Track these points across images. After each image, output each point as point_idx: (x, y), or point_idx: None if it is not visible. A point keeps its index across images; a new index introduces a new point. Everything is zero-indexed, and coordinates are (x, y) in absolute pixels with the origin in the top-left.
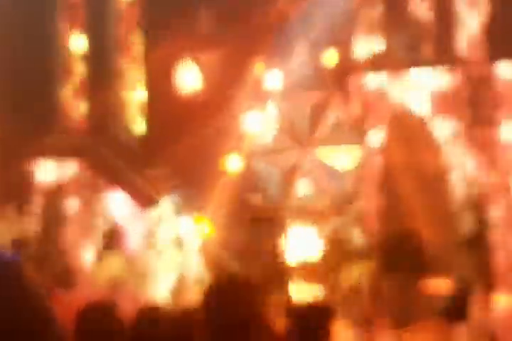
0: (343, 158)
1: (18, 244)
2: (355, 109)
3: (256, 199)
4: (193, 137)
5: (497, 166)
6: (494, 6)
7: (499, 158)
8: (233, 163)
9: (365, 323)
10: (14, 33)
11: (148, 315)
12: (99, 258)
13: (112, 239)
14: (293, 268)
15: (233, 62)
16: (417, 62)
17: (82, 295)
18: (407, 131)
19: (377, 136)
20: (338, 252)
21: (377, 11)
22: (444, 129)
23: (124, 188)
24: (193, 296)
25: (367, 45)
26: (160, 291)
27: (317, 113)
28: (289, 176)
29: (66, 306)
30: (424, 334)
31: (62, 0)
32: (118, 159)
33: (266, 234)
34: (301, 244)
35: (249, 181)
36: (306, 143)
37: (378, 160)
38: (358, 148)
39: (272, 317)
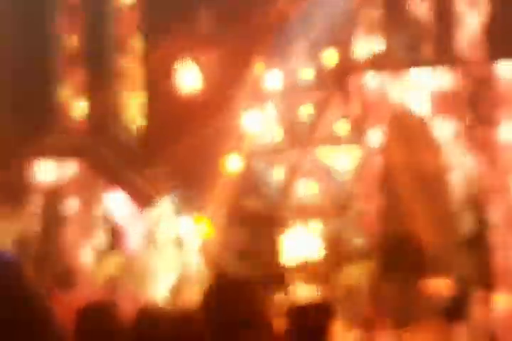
0: (343, 158)
1: (18, 244)
2: (355, 109)
3: (255, 199)
4: (193, 137)
5: (497, 166)
6: (494, 6)
7: (499, 158)
8: (233, 163)
9: (365, 323)
10: (14, 33)
11: (148, 315)
12: (99, 258)
13: (112, 239)
14: (293, 268)
15: (233, 62)
16: (417, 62)
17: (81, 295)
18: (407, 131)
19: (377, 136)
20: (338, 252)
21: (377, 11)
22: (444, 129)
23: (123, 188)
24: (193, 296)
25: (367, 45)
26: (160, 291)
27: (317, 113)
28: (288, 176)
29: (66, 306)
30: (424, 334)
31: (61, 0)
32: (118, 159)
33: (265, 234)
34: (300, 244)
35: (248, 181)
36: (306, 143)
37: (378, 160)
38: (357, 148)
39: (272, 317)
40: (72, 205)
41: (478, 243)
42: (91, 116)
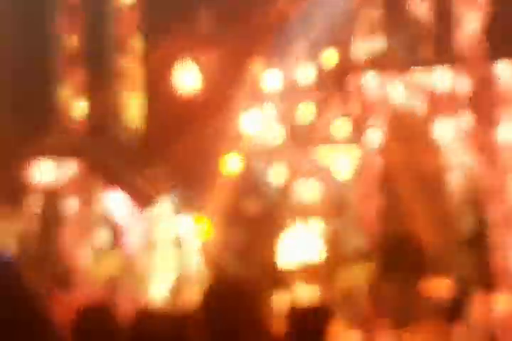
0: (343, 157)
1: (18, 244)
2: (355, 109)
3: (255, 199)
4: (193, 137)
5: (497, 166)
6: (494, 5)
7: (499, 158)
8: (233, 163)
9: (365, 323)
10: (14, 33)
11: (148, 316)
12: (99, 258)
13: (112, 239)
14: (292, 268)
15: (233, 62)
16: (417, 62)
17: (81, 295)
18: (407, 131)
19: (377, 136)
20: (338, 252)
21: (377, 11)
22: (443, 129)
23: (123, 188)
24: (193, 296)
25: (367, 45)
26: (159, 291)
27: (317, 113)
28: (288, 176)
29: (66, 306)
30: (424, 335)
31: (61, 0)
32: (118, 159)
33: (265, 234)
34: (300, 244)
35: (248, 181)
36: (305, 143)
37: (378, 160)
38: (357, 148)
39: (271, 318)
40: (71, 205)
41: (478, 243)
42: (91, 116)
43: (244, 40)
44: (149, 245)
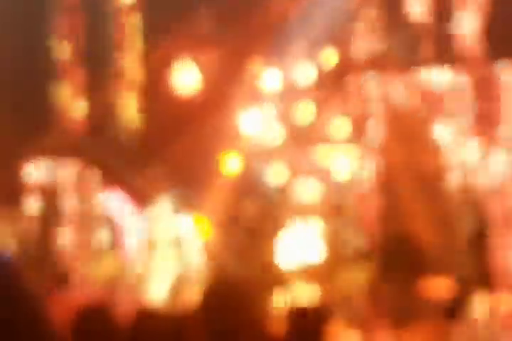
0: (343, 157)
1: (17, 244)
2: (355, 109)
3: (254, 199)
4: (192, 137)
5: (497, 166)
6: (494, 5)
7: (499, 158)
8: (232, 163)
9: (364, 323)
10: (13, 32)
11: (147, 316)
12: (98, 258)
13: (111, 239)
14: (292, 268)
15: (232, 62)
16: (417, 62)
17: (80, 295)
18: (407, 131)
19: (376, 136)
20: (338, 252)
21: (377, 11)
22: (444, 129)
23: (122, 188)
24: (192, 296)
25: (367, 45)
26: (159, 291)
27: (316, 113)
28: (288, 176)
29: (65, 306)
30: (424, 335)
31: (61, 0)
32: (117, 159)
33: (264, 234)
34: (300, 244)
35: (247, 181)
36: (305, 143)
37: (378, 160)
38: (357, 148)
39: (271, 318)
40: (71, 205)
41: (478, 243)
42: (91, 116)
43: (244, 40)
44: (149, 245)
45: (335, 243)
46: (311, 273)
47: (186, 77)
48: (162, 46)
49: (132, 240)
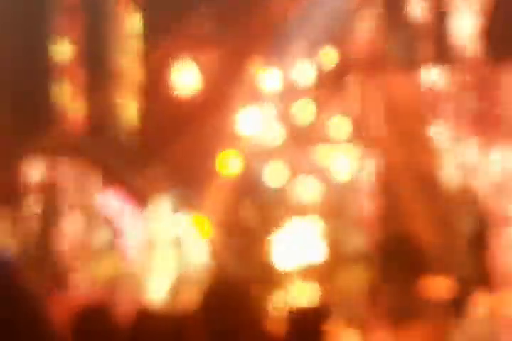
0: (343, 157)
1: (17, 244)
2: (355, 108)
3: (253, 199)
4: (192, 137)
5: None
6: (494, 5)
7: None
8: (232, 163)
9: (364, 324)
10: (13, 32)
11: (147, 316)
12: (98, 258)
13: (111, 239)
14: (291, 268)
15: (233, 62)
16: (416, 62)
17: (80, 295)
18: (407, 131)
19: (376, 136)
20: (337, 252)
21: (376, 11)
22: (444, 129)
23: (122, 188)
24: (192, 297)
25: (366, 45)
26: (158, 291)
27: (316, 113)
28: (287, 176)
29: (65, 306)
30: (424, 335)
31: (61, 0)
32: (117, 159)
33: (264, 234)
34: (299, 244)
35: (247, 181)
36: (304, 142)
37: (378, 160)
38: (357, 148)
39: (270, 318)
40: (70, 205)
41: (478, 243)
42: (91, 116)
43: (244, 40)
44: (149, 245)
45: (335, 243)
46: (310, 273)
47: (186, 77)
48: (162, 46)
49: (132, 240)
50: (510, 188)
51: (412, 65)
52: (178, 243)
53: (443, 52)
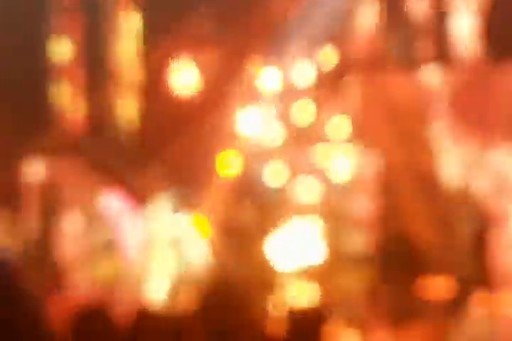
0: (342, 157)
1: (17, 244)
2: (355, 108)
3: (253, 199)
4: (192, 137)
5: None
6: (494, 5)
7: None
8: (231, 163)
9: (364, 324)
10: (13, 32)
11: (146, 316)
12: (97, 258)
13: (110, 239)
14: (291, 269)
15: (232, 62)
16: (416, 62)
17: (80, 295)
18: (407, 131)
19: (376, 136)
20: (338, 253)
21: (376, 11)
22: (443, 129)
23: (122, 188)
24: (191, 297)
25: (366, 45)
26: (157, 292)
27: (316, 113)
28: (287, 176)
29: (64, 306)
30: (424, 335)
31: (61, 0)
32: (116, 159)
33: (263, 234)
34: (298, 244)
35: (246, 181)
36: (304, 142)
37: (378, 160)
38: (357, 148)
39: (269, 319)
40: (70, 205)
41: (478, 243)
42: (91, 116)
43: (244, 40)
44: (148, 245)
45: (335, 243)
46: (310, 273)
47: (186, 77)
48: (162, 46)
49: (132, 240)
50: (510, 188)
51: (412, 64)
52: (177, 243)
53: (443, 52)
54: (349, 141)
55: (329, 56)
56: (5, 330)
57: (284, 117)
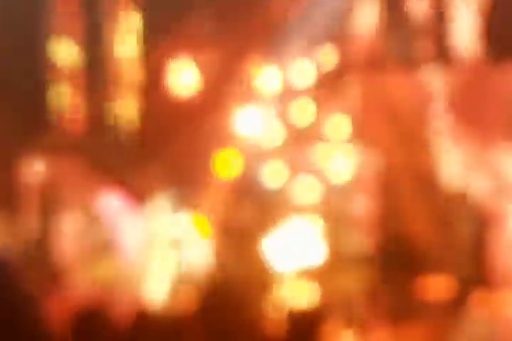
0: (342, 157)
1: (16, 245)
2: (355, 108)
3: (252, 199)
4: (192, 137)
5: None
6: (494, 5)
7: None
8: (231, 163)
9: (364, 324)
10: (13, 32)
11: (145, 317)
12: (97, 258)
13: (109, 239)
14: (291, 269)
15: (232, 62)
16: (416, 62)
17: (79, 295)
18: (407, 131)
19: (376, 136)
20: (338, 253)
21: (376, 11)
22: (443, 129)
23: (122, 187)
24: (191, 297)
25: (366, 45)
26: (157, 292)
27: (316, 113)
28: (287, 176)
29: (64, 307)
30: (423, 335)
31: (61, 0)
32: (116, 159)
33: (262, 234)
34: (299, 244)
35: (246, 181)
36: (304, 142)
37: (378, 160)
38: (357, 148)
39: (269, 319)
40: (69, 205)
41: (478, 243)
42: (90, 116)
43: (244, 40)
44: (148, 245)
45: (334, 243)
46: (310, 274)
47: (186, 77)
48: (162, 46)
49: (131, 240)
50: (510, 188)
51: (411, 64)
52: (177, 243)
53: (443, 52)
54: (349, 140)
55: (329, 56)
56: (5, 330)
57: (284, 117)
